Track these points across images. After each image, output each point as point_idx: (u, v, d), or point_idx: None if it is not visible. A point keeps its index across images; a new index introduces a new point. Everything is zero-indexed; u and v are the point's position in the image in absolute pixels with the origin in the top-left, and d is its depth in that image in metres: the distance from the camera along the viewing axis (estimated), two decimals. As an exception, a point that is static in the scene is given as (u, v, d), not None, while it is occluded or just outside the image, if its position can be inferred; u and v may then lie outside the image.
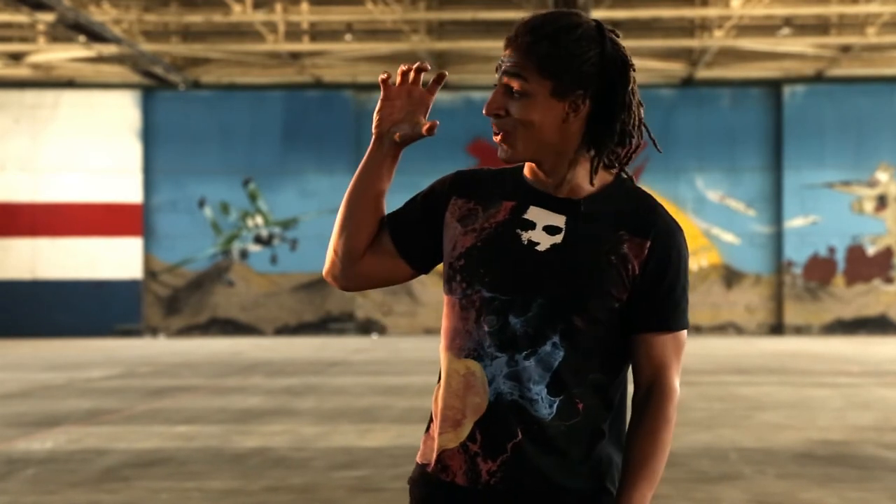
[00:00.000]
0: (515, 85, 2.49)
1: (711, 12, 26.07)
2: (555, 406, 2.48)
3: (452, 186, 2.64)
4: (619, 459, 2.56)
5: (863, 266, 31.20)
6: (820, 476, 8.91)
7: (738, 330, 31.31)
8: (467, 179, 2.65)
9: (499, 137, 2.52)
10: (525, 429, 2.48)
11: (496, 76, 2.54)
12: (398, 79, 2.62)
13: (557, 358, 2.48)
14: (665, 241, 2.52)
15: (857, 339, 28.77)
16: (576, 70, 2.49)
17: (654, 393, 2.52)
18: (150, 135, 31.68)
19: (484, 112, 2.51)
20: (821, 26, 28.15)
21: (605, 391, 2.53)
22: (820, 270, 31.22)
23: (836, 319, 31.16)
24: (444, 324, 2.60)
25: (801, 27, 27.91)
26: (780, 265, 31.30)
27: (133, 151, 31.61)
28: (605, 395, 2.53)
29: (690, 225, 31.33)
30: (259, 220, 31.93)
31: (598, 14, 24.93)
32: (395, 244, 2.64)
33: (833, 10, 25.84)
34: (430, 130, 2.61)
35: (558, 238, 2.52)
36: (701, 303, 31.17)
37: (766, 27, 27.78)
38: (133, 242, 31.58)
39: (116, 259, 31.49)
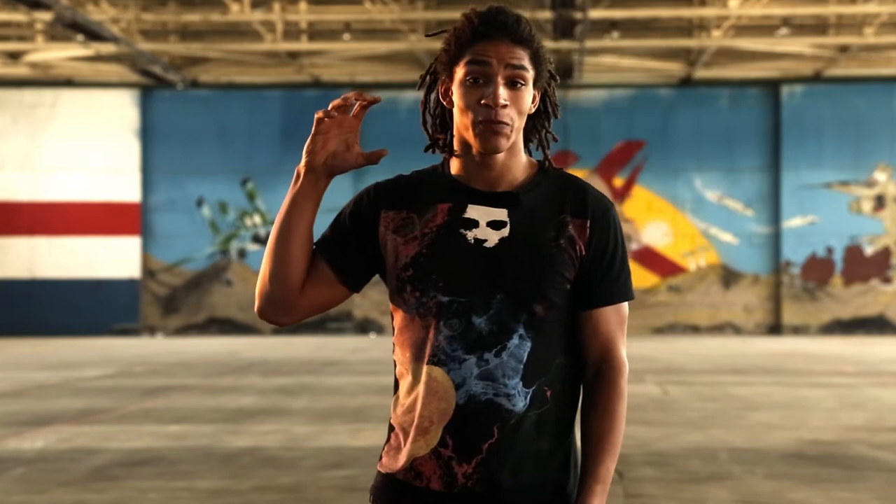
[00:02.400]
0: (521, 75, 2.51)
1: (709, 12, 26.07)
2: (528, 397, 2.50)
3: (378, 200, 2.60)
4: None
5: (861, 266, 31.19)
6: (809, 476, 8.90)
7: (736, 330, 31.29)
8: (390, 189, 2.62)
9: (498, 128, 2.49)
10: (501, 426, 2.48)
11: (475, 68, 2.49)
12: (332, 110, 2.53)
13: (525, 349, 2.50)
14: (602, 217, 2.57)
15: (854, 340, 28.75)
16: (544, 59, 2.57)
17: (604, 368, 2.55)
18: (148, 134, 31.69)
19: (495, 104, 2.47)
20: (819, 26, 28.15)
21: (569, 375, 2.56)
22: (818, 270, 31.21)
23: (834, 319, 31.16)
24: (400, 336, 2.58)
25: (800, 27, 27.90)
26: (779, 265, 31.30)
27: (131, 151, 31.62)
28: (569, 380, 2.56)
29: (688, 225, 31.33)
30: (257, 219, 31.94)
31: (596, 14, 24.91)
32: (334, 272, 2.59)
33: (831, 10, 25.84)
34: (378, 159, 2.57)
35: (505, 231, 2.53)
36: (699, 303, 31.17)
37: (764, 27, 27.77)
38: (131, 242, 31.59)
39: (114, 258, 31.50)
